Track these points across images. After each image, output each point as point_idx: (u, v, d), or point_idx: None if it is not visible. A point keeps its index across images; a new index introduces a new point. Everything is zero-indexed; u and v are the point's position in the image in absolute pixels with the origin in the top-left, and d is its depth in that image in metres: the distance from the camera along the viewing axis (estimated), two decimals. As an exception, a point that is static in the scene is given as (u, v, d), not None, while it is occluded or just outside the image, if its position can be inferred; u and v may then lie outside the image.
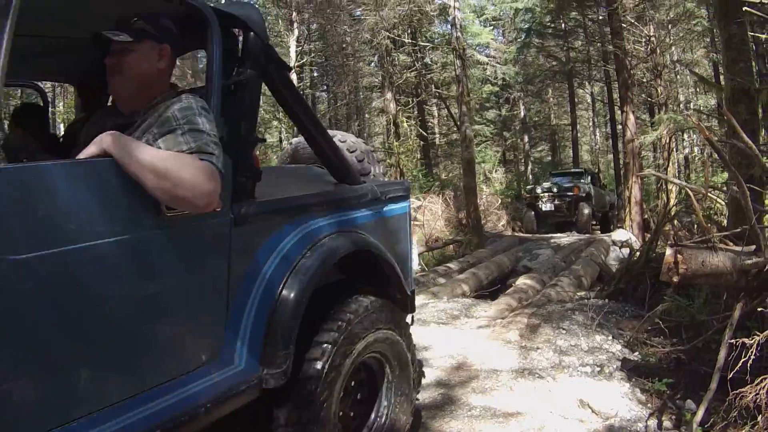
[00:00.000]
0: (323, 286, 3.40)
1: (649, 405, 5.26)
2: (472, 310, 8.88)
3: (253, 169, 3.15)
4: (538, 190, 24.12)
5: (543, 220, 24.18)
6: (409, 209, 4.58)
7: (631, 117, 20.73)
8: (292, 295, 3.08)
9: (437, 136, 36.65)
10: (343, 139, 4.67)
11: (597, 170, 31.31)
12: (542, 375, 5.88)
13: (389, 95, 25.49)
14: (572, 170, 28.72)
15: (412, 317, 4.41)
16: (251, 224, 3.01)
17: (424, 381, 5.85)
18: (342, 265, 3.64)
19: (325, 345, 3.22)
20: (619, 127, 24.81)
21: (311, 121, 3.79)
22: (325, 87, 37.96)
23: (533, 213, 23.94)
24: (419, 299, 9.79)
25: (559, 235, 21.48)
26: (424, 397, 5.56)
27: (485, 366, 6.21)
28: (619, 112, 23.97)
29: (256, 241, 3.09)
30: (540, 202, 23.68)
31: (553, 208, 23.57)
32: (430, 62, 29.86)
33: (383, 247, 3.95)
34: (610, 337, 6.85)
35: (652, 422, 4.92)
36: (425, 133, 30.65)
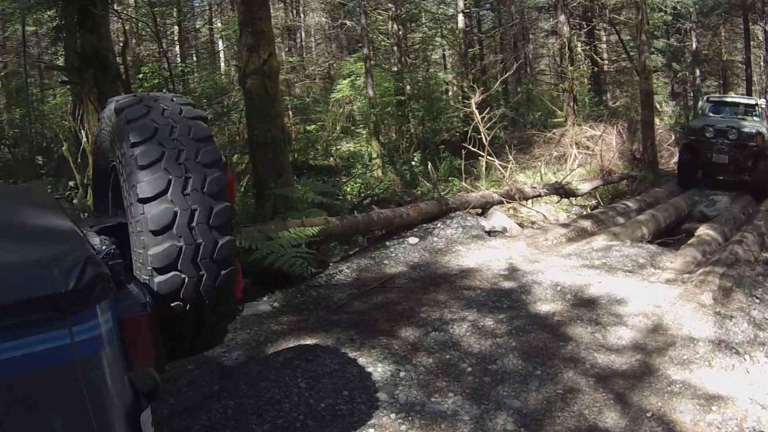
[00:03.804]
0: None
1: None
2: (657, 259, 8.35)
3: None
4: (708, 133, 16.10)
5: (709, 173, 16.95)
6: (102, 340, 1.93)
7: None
8: None
9: (606, 62, 35.12)
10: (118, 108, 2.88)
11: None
12: (739, 351, 5.43)
13: (562, 18, 24.13)
14: (744, 100, 19.23)
15: None
16: None
17: (620, 342, 5.51)
18: None
19: None
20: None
21: None
22: (488, 6, 36.63)
23: (690, 159, 16.48)
24: (602, 239, 9.36)
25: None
26: (621, 361, 5.27)
27: (681, 332, 5.79)
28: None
29: None
30: (707, 148, 16.11)
31: (727, 161, 16.01)
32: (606, -16, 28.26)
33: None
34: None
35: None
36: (599, 59, 29.30)
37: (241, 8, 8.79)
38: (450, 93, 27.32)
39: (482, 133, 13.52)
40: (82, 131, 9.30)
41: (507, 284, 7.03)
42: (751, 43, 36.00)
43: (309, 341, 5.56)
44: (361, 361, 5.06)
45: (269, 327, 6.01)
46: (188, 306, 2.69)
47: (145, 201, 2.56)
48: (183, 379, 4.90)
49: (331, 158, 18.77)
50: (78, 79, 5.61)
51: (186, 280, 2.62)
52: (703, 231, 10.51)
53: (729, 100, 18.89)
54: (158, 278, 2.57)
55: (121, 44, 14.63)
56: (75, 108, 10.22)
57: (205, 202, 2.65)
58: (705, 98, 19.52)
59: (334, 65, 30.28)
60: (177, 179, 2.61)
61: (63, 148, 9.96)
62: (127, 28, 18.48)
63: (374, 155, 17.85)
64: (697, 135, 16.34)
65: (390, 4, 22.44)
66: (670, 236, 11.36)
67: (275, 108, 8.90)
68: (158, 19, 19.79)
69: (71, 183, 9.45)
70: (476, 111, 14.04)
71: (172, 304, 2.64)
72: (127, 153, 2.66)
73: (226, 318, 3.06)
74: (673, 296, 6.66)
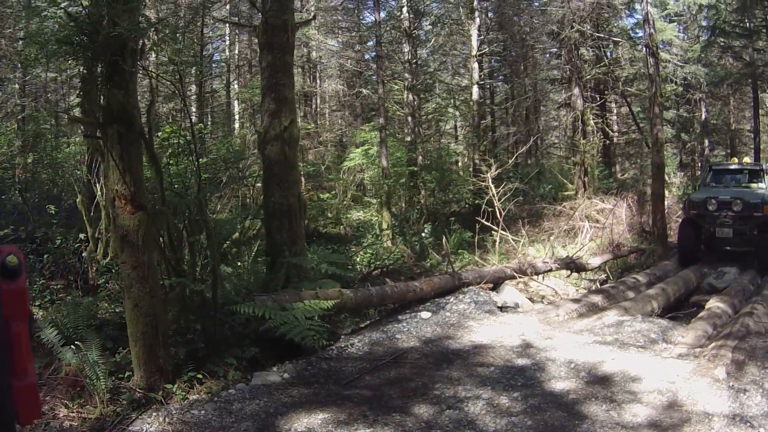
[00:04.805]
0: None
1: None
2: (669, 334, 8.41)
3: None
4: (710, 206, 14.99)
5: (712, 248, 15.52)
6: None
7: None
8: None
9: (616, 134, 35.34)
10: None
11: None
12: (753, 424, 5.37)
13: (576, 90, 24.43)
14: (748, 166, 17.49)
15: None
16: None
17: (635, 420, 5.47)
18: None
19: None
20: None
21: None
22: (502, 77, 37.06)
23: (692, 235, 15.33)
24: (613, 314, 9.34)
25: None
26: (639, 440, 5.18)
27: (696, 408, 5.74)
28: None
29: None
30: (710, 222, 15.06)
31: (731, 235, 14.79)
32: (619, 58, 28.59)
33: None
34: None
35: None
36: (610, 131, 29.52)
37: (265, 73, 8.79)
38: (460, 164, 27.45)
39: (497, 208, 13.58)
40: (98, 185, 9.32)
41: (521, 361, 7.03)
42: (760, 111, 36.07)
43: (321, 415, 5.54)
44: (375, 437, 5.02)
45: (279, 398, 6.00)
46: None
47: None
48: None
49: (341, 227, 18.83)
50: (101, 134, 5.67)
51: None
52: (713, 303, 10.56)
53: (733, 167, 17.54)
54: None
55: (147, 102, 14.80)
56: (92, 161, 10.19)
57: None
58: (708, 167, 18.54)
59: (347, 132, 30.53)
60: None
61: (77, 200, 9.98)
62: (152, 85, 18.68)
63: (385, 226, 17.89)
64: (698, 209, 15.27)
65: (407, 75, 22.73)
66: (680, 309, 11.34)
67: (293, 176, 8.95)
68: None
69: (81, 235, 9.45)
70: (492, 185, 14.13)
71: None
72: None
73: None
74: (687, 371, 6.65)
